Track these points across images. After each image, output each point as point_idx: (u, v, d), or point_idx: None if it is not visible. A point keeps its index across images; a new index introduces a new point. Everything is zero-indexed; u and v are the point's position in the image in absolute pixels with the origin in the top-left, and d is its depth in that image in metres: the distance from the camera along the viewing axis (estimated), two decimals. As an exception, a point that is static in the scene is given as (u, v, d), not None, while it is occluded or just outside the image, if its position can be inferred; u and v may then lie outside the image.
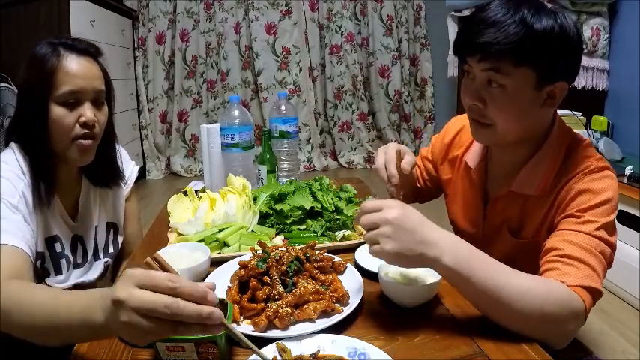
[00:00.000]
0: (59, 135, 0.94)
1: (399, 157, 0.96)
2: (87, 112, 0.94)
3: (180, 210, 1.16)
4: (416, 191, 1.26)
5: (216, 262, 0.93)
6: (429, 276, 0.80)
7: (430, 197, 1.28)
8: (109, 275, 1.18)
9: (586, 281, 0.72)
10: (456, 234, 1.16)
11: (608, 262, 0.78)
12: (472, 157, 1.02)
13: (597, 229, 0.77)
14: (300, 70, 4.23)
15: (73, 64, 0.93)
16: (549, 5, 0.80)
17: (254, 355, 0.64)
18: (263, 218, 1.17)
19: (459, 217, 1.10)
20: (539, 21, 0.76)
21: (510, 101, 0.81)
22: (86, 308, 0.57)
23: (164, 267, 0.53)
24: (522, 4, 0.77)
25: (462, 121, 1.10)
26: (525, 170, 0.90)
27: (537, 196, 0.89)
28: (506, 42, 0.76)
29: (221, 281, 0.86)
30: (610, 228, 0.80)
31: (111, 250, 1.16)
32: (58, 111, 0.92)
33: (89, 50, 0.98)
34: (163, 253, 0.91)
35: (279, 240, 1.08)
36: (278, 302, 0.74)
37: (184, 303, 0.50)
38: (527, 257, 0.92)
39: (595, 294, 0.73)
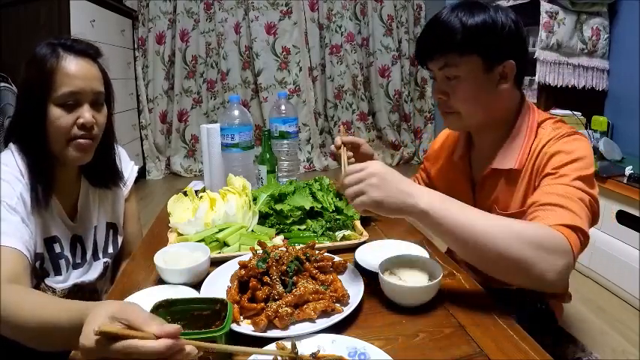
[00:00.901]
0: (56, 136, 0.93)
1: (344, 133, 1.16)
2: (85, 114, 0.94)
3: (180, 210, 1.16)
4: None
5: (216, 262, 0.93)
6: (429, 276, 0.80)
7: None
8: (109, 275, 1.18)
9: (566, 220, 0.76)
10: None
11: (592, 212, 0.82)
12: (456, 152, 1.12)
13: (573, 179, 0.83)
14: (300, 70, 4.23)
15: (72, 66, 0.93)
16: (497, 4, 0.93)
17: (254, 355, 0.64)
18: (263, 218, 1.17)
19: None
20: (472, 17, 0.89)
21: (467, 88, 0.93)
22: (76, 322, 0.58)
23: (116, 336, 0.51)
24: (458, 7, 0.92)
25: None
26: (503, 148, 0.99)
27: (517, 170, 0.96)
28: (448, 38, 0.90)
29: (221, 281, 0.86)
30: (588, 181, 0.84)
31: (110, 250, 1.16)
32: (56, 112, 0.92)
33: (88, 51, 0.97)
34: (163, 253, 0.92)
35: (279, 240, 1.08)
36: (278, 302, 0.74)
37: None
38: None
39: (579, 232, 0.75)
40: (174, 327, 0.52)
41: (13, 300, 0.69)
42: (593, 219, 0.84)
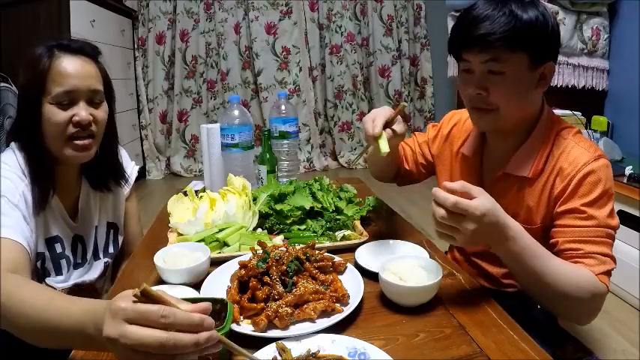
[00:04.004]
0: (53, 135, 0.93)
1: (391, 117, 1.01)
2: (81, 112, 0.93)
3: (180, 210, 1.16)
4: (403, 172, 1.24)
5: (216, 262, 0.93)
6: (429, 276, 0.80)
7: (417, 181, 1.27)
8: (109, 275, 1.18)
9: (604, 267, 0.84)
10: None
11: (614, 239, 0.89)
12: (468, 147, 1.07)
13: (603, 218, 0.87)
14: (300, 70, 4.23)
15: (66, 64, 0.92)
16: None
17: (254, 355, 0.64)
18: (263, 218, 1.17)
19: None
20: (526, 12, 0.85)
21: (511, 85, 0.88)
22: (79, 322, 0.57)
23: (155, 299, 0.50)
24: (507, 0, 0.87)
25: (458, 114, 1.16)
26: (518, 153, 0.96)
27: (531, 179, 0.94)
28: (501, 32, 0.84)
29: (221, 281, 0.86)
30: (611, 214, 0.89)
31: (111, 250, 1.16)
32: (51, 111, 0.92)
33: (84, 49, 0.97)
34: (163, 253, 0.92)
35: (279, 240, 1.08)
36: (278, 302, 0.74)
37: (180, 337, 0.49)
38: None
39: (611, 273, 0.86)
40: (205, 304, 0.54)
41: (13, 290, 0.67)
42: (613, 241, 0.90)
